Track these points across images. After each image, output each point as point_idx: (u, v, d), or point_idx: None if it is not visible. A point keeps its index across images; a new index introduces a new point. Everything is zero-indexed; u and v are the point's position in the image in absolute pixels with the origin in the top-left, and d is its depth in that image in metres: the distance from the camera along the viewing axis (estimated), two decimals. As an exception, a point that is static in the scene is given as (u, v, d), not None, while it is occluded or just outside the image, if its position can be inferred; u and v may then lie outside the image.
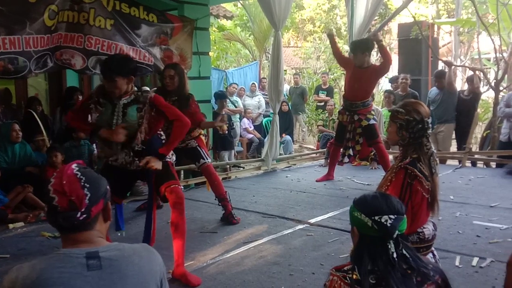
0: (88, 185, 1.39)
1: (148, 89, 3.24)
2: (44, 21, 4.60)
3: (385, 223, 1.60)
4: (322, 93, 11.37)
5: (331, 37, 6.02)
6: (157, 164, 3.09)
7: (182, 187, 5.98)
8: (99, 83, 6.88)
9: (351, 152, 5.81)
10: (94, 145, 5.99)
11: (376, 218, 1.61)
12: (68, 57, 4.96)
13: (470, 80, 7.53)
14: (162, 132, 3.41)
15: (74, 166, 1.43)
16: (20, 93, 7.00)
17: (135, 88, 3.21)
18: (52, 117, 6.39)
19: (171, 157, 3.39)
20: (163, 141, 3.35)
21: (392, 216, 1.61)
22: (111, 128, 3.15)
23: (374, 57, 17.35)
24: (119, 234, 3.57)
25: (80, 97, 6.41)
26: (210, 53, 8.14)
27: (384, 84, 13.41)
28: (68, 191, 1.36)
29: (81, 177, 1.40)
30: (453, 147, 8.24)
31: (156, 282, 1.45)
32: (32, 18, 4.49)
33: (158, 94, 3.44)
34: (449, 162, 7.45)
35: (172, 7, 6.41)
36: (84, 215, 1.37)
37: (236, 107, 9.70)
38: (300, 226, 4.20)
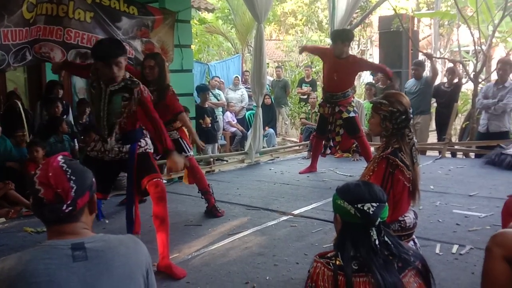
0: (74, 178, 1.40)
1: (138, 81, 3.19)
2: (22, 13, 4.52)
3: (367, 210, 1.64)
4: (306, 86, 11.40)
5: (305, 50, 6.39)
6: (179, 162, 3.13)
7: (166, 181, 6.03)
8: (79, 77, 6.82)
9: (331, 143, 5.89)
10: (76, 140, 5.95)
11: (359, 205, 1.65)
12: (47, 50, 4.89)
13: (450, 71, 7.64)
14: None
15: (60, 158, 1.43)
16: (-2, 88, 6.88)
17: (127, 75, 3.16)
18: (32, 112, 6.30)
19: (152, 149, 3.36)
20: (144, 131, 3.34)
21: (374, 204, 1.65)
22: (99, 114, 3.16)
23: (356, 50, 17.56)
24: (106, 221, 3.53)
25: (61, 91, 6.35)
26: (192, 46, 8.08)
27: (365, 76, 13.53)
28: (54, 184, 1.36)
29: (67, 169, 1.40)
30: (434, 138, 8.38)
31: (142, 272, 1.45)
32: (10, 11, 4.40)
33: None
34: (429, 153, 7.57)
35: (153, -1, 6.36)
36: (70, 208, 1.38)
37: (218, 100, 9.69)
38: (284, 218, 4.23)
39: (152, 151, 3.36)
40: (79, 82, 7.51)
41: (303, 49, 6.38)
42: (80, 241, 1.36)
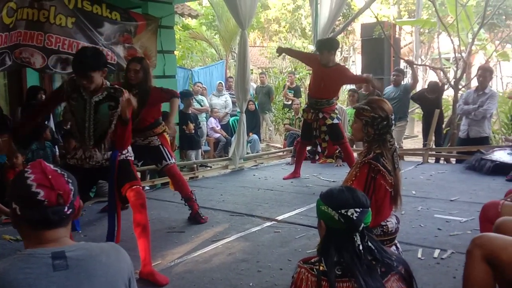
0: (70, 181, 1.42)
1: (121, 89, 3.16)
2: (2, 18, 4.46)
3: (351, 216, 1.65)
4: (290, 92, 11.47)
5: (283, 52, 6.18)
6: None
7: (148, 187, 5.98)
8: (60, 82, 6.75)
9: (319, 149, 5.92)
10: (56, 147, 5.86)
11: (343, 211, 1.65)
12: (28, 56, 4.83)
13: (431, 88, 7.68)
14: None
15: (46, 163, 1.43)
16: (-23, 93, 6.77)
17: (107, 83, 3.14)
18: (12, 117, 6.19)
19: (132, 156, 3.34)
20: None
21: (357, 209, 1.66)
22: (84, 124, 3.12)
23: (338, 57, 17.71)
24: (84, 235, 3.50)
25: (43, 97, 6.26)
26: (175, 52, 8.06)
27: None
28: (56, 185, 1.37)
29: (62, 173, 1.42)
30: (412, 144, 8.48)
31: (124, 281, 1.43)
32: (-11, 16, 4.35)
33: (123, 87, 3.39)
34: (411, 158, 7.65)
35: (136, 5, 6.32)
36: (70, 210, 1.39)
37: (201, 106, 9.67)
38: (268, 223, 4.22)
39: (132, 158, 3.34)
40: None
41: (281, 51, 6.07)
42: (61, 250, 1.34)
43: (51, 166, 1.42)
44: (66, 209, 1.38)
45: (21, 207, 1.36)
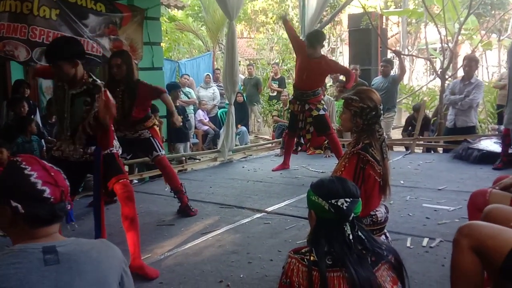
0: (66, 177, 1.43)
1: (100, 85, 3.12)
2: (-16, 10, 4.38)
3: (341, 206, 1.65)
4: (274, 83, 11.46)
5: (285, 21, 6.06)
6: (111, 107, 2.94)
7: (137, 181, 5.95)
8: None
9: (302, 140, 5.93)
10: (43, 141, 5.80)
11: (333, 201, 1.66)
12: (12, 49, 4.75)
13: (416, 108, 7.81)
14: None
15: (39, 159, 1.43)
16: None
17: (90, 79, 3.09)
18: (-4, 112, 6.11)
19: (118, 149, 3.31)
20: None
21: (348, 199, 1.67)
22: (63, 115, 3.11)
23: (326, 48, 17.71)
24: (72, 229, 3.48)
25: (27, 90, 6.18)
26: (162, 44, 8.00)
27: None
28: (59, 182, 1.38)
29: (58, 169, 1.43)
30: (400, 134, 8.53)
31: (115, 277, 1.43)
32: (-29, 8, 4.27)
33: (107, 85, 3.35)
34: (399, 148, 7.71)
35: (121, -4, 6.25)
36: (69, 205, 1.41)
37: (189, 98, 9.62)
38: (258, 215, 4.23)
39: (119, 151, 3.31)
40: (45, 82, 7.31)
41: (285, 20, 6.06)
42: (52, 245, 1.33)
43: (45, 161, 1.43)
44: (67, 205, 1.40)
45: (26, 205, 1.33)
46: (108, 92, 3.00)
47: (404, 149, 7.48)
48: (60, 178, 1.41)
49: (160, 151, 4.33)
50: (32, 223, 1.36)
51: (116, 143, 3.31)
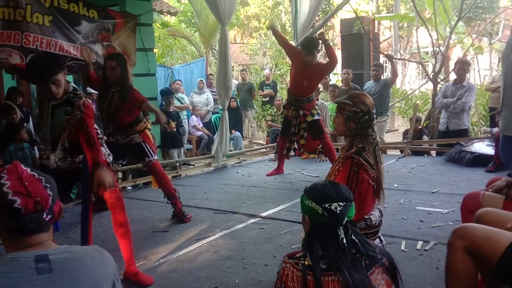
0: (48, 186, 1.39)
1: (81, 95, 3.14)
2: (-24, 18, 4.36)
3: (334, 210, 1.66)
4: (266, 88, 11.53)
5: (273, 30, 6.07)
6: (107, 178, 2.94)
7: (130, 187, 5.92)
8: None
9: (296, 145, 5.94)
10: (36, 148, 5.77)
11: (326, 205, 1.66)
12: (5, 56, 4.72)
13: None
14: (98, 130, 3.33)
15: (24, 167, 1.39)
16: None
17: (71, 88, 3.12)
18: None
19: (108, 157, 3.30)
20: (100, 139, 3.30)
21: (341, 203, 1.67)
22: (44, 127, 3.15)
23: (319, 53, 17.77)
24: (66, 236, 3.46)
25: (20, 98, 6.15)
26: (155, 50, 8.00)
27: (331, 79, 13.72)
28: (33, 192, 1.33)
29: (40, 177, 1.38)
30: (393, 138, 8.56)
31: (108, 284, 1.42)
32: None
33: (101, 86, 3.37)
34: (392, 152, 7.73)
35: (114, 2, 6.24)
36: (49, 216, 1.37)
37: (182, 103, 9.61)
38: (252, 220, 4.23)
39: (109, 159, 3.29)
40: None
41: (273, 29, 6.10)
42: (44, 253, 1.33)
43: (28, 170, 1.39)
44: (44, 216, 1.35)
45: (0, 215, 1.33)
46: (88, 101, 3.03)
47: (399, 153, 7.51)
48: (38, 187, 1.35)
49: (153, 157, 4.29)
50: (12, 233, 1.34)
51: (105, 150, 3.29)
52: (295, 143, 5.92)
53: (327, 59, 5.54)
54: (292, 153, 6.06)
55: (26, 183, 1.34)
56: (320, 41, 5.45)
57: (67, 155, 3.18)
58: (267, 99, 11.35)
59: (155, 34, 8.28)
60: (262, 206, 4.64)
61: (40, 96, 3.21)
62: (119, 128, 4.17)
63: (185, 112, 9.69)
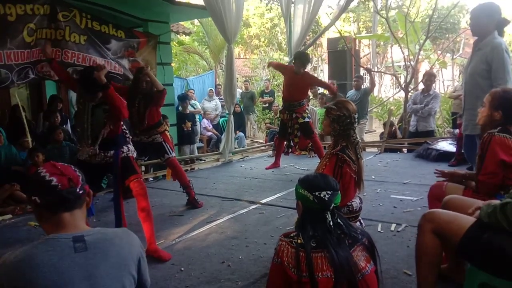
0: (77, 170, 1.43)
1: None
2: (23, 37, 4.33)
3: (323, 197, 1.65)
4: (266, 95, 11.53)
5: (271, 65, 6.30)
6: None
7: (152, 178, 5.91)
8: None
9: (291, 143, 5.95)
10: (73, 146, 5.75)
11: (316, 193, 1.66)
12: (48, 70, 4.70)
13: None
14: (126, 130, 3.34)
15: (55, 162, 1.43)
16: (3, 102, 6.60)
17: None
18: (35, 122, 6.07)
19: (133, 153, 3.32)
20: (128, 138, 3.32)
21: (329, 192, 1.67)
22: (83, 126, 3.16)
23: (309, 67, 17.74)
24: (98, 220, 3.45)
25: (60, 104, 6.15)
26: (172, 64, 7.97)
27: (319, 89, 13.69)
28: (65, 172, 1.38)
29: (70, 165, 1.43)
30: (372, 138, 8.53)
31: (134, 260, 1.42)
32: (12, 36, 4.22)
33: (129, 94, 3.39)
34: (370, 149, 7.71)
35: (138, 24, 6.26)
36: (81, 191, 1.39)
37: (195, 109, 9.62)
38: (253, 206, 4.22)
39: (134, 155, 3.31)
40: (75, 97, 7.29)
41: (269, 65, 6.42)
42: (80, 234, 1.32)
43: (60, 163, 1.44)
44: (78, 190, 1.38)
45: (40, 196, 1.35)
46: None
47: (376, 150, 7.49)
48: (69, 170, 1.40)
49: (171, 154, 4.30)
50: (52, 210, 1.35)
51: (131, 147, 3.33)
52: (291, 141, 5.96)
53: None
54: (290, 150, 6.07)
55: (59, 167, 1.39)
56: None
57: (101, 151, 3.19)
58: (267, 105, 11.33)
59: (172, 51, 8.26)
60: (261, 194, 4.63)
61: (80, 99, 3.22)
62: (144, 129, 4.17)
63: (197, 116, 9.68)
